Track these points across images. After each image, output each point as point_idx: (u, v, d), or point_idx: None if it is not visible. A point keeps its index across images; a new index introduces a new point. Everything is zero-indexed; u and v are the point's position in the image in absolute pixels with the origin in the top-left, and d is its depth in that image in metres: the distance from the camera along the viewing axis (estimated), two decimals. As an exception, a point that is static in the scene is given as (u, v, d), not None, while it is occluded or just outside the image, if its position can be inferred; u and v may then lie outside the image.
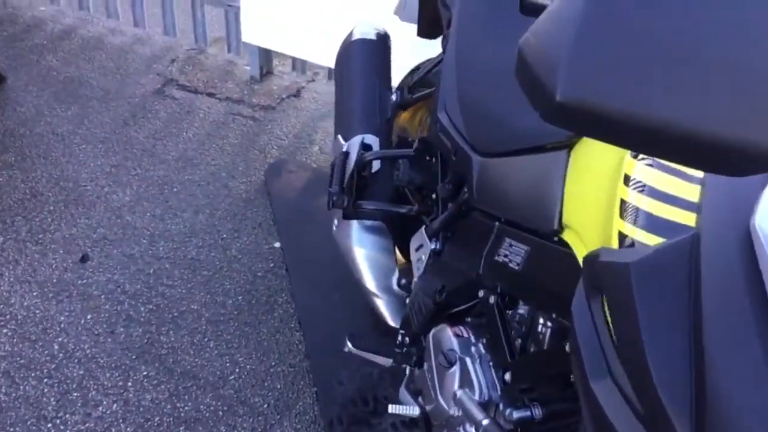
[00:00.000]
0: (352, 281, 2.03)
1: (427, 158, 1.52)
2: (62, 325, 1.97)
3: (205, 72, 3.20)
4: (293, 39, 2.87)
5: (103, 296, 2.07)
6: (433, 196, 1.49)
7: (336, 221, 1.65)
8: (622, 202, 0.78)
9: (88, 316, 2.00)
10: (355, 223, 1.58)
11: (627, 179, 0.79)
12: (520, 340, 1.15)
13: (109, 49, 3.31)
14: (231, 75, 3.19)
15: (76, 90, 2.99)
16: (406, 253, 1.63)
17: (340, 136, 1.69)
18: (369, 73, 1.72)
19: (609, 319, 0.76)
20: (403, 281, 1.56)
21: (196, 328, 2.00)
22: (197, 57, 3.31)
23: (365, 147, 1.58)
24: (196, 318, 2.03)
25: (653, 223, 0.72)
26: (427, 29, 2.02)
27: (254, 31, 2.96)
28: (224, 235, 2.32)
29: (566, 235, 1.02)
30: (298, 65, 3.17)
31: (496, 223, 1.22)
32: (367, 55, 1.75)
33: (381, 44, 1.79)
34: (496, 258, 1.18)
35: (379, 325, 1.95)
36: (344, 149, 1.65)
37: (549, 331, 1.11)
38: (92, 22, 3.52)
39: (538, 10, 0.73)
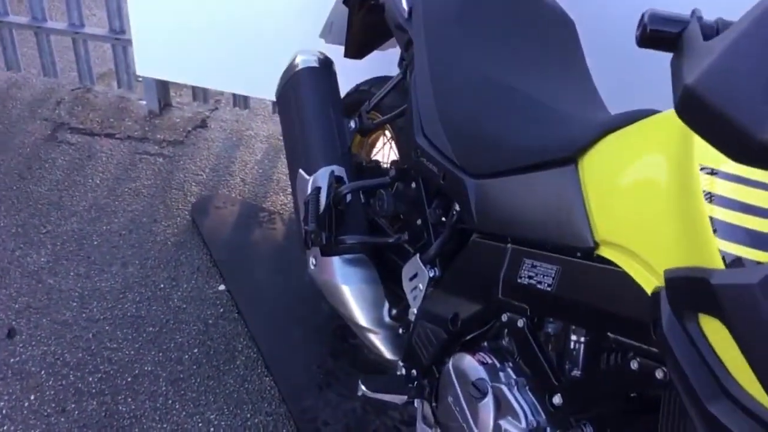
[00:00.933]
0: (312, 312, 1.97)
1: (405, 184, 1.48)
2: (4, 411, 1.76)
3: (98, 111, 2.98)
4: (193, 68, 2.74)
5: (42, 372, 1.87)
6: (418, 222, 1.46)
7: (313, 259, 1.58)
8: (713, 220, 0.78)
9: (32, 397, 1.80)
10: (335, 260, 1.52)
11: (710, 196, 0.80)
12: (555, 360, 1.14)
13: (-18, 97, 3.02)
14: (127, 112, 3.00)
15: (-46, 146, 2.70)
16: (388, 284, 1.59)
17: (302, 171, 1.62)
18: (321, 103, 1.66)
19: (709, 337, 0.77)
20: (394, 312, 1.52)
21: (155, 391, 1.85)
22: (85, 96, 3.08)
23: (337, 179, 1.52)
24: (153, 380, 1.88)
25: (763, 241, 0.73)
26: (356, 50, 1.99)
27: (150, 64, 2.79)
28: (161, 285, 2.17)
29: (605, 252, 1.02)
30: (199, 94, 3.03)
31: (508, 245, 1.21)
32: (315, 84, 1.69)
33: (326, 70, 1.74)
34: (520, 280, 1.17)
35: (346, 356, 1.91)
36: (310, 183, 1.58)
37: (583, 347, 1.11)
38: (-45, 68, 3.20)
39: (665, 39, 0.71)
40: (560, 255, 1.11)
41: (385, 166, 1.80)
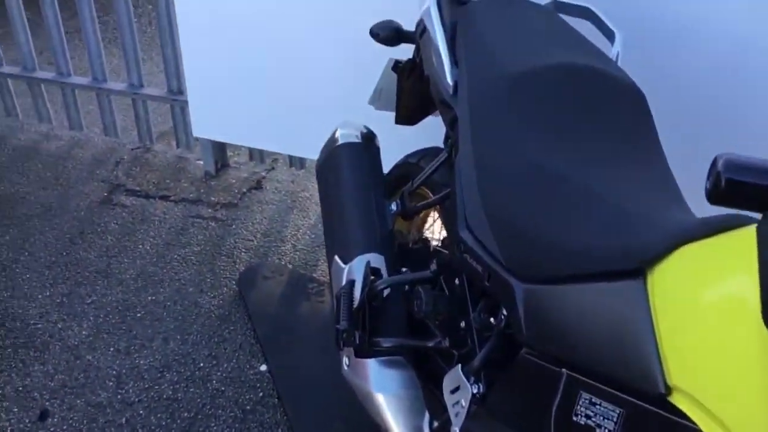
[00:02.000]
0: (356, 405, 1.79)
1: (447, 281, 1.31)
2: (25, 508, 1.66)
3: (155, 172, 2.94)
4: (248, 129, 2.66)
5: (70, 461, 1.77)
6: (462, 324, 1.28)
7: (347, 359, 1.42)
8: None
9: (56, 491, 1.70)
10: (370, 363, 1.35)
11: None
12: None
13: (44, 158, 3.04)
14: (183, 172, 2.95)
15: (11, 209, 2.70)
16: (430, 386, 1.41)
17: (338, 258, 1.47)
18: (361, 183, 1.51)
19: None
20: (436, 425, 1.33)
21: (184, 488, 1.72)
22: (144, 156, 3.06)
23: (373, 271, 1.36)
24: (183, 474, 1.75)
25: None
26: (407, 116, 1.85)
27: (206, 125, 2.73)
28: (201, 364, 2.05)
29: (678, 401, 0.82)
30: (256, 154, 2.95)
31: (563, 371, 1.01)
32: (356, 162, 1.55)
33: (368, 146, 1.59)
34: (576, 418, 0.97)
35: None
36: (345, 274, 1.43)
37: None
38: (22, 129, 3.24)
39: (747, 195, 0.53)
40: (625, 395, 0.91)
41: (433, 247, 1.63)
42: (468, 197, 1.24)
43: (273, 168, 3.00)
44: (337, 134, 1.59)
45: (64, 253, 2.47)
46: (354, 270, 1.42)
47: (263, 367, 2.04)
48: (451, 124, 1.37)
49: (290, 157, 2.88)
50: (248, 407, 1.92)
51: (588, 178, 1.14)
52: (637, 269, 0.94)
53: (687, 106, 1.86)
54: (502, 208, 1.17)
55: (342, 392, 1.89)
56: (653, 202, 1.12)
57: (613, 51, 1.48)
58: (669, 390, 0.84)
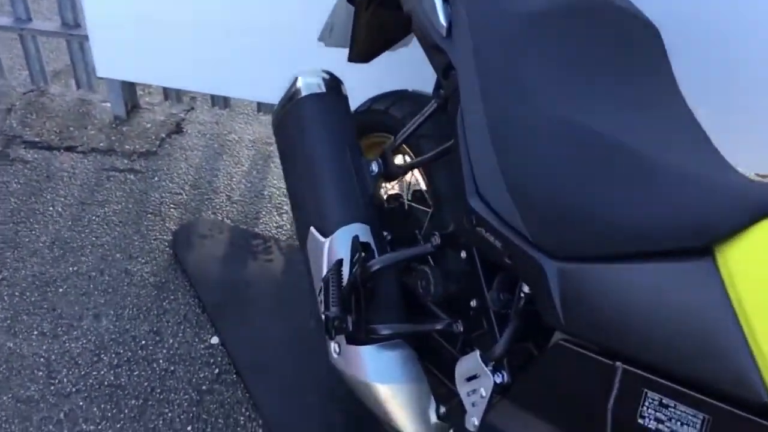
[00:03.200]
0: (326, 370, 1.66)
1: (454, 256, 1.15)
2: None
3: (55, 119, 2.59)
4: (162, 66, 2.35)
5: (5, 471, 1.54)
6: (473, 303, 1.13)
7: (335, 346, 1.25)
8: None
9: None
10: (365, 350, 1.20)
11: None
12: None
13: None
14: (89, 117, 2.61)
15: None
16: (430, 367, 1.27)
17: (315, 231, 1.28)
18: (334, 140, 1.31)
19: None
20: (443, 410, 1.20)
21: (144, 486, 1.54)
22: (39, 101, 2.68)
23: (363, 246, 1.18)
24: (140, 472, 1.56)
25: None
26: (362, 52, 1.64)
27: (111, 63, 2.40)
28: (143, 342, 1.83)
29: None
30: (171, 93, 2.64)
31: (618, 365, 0.89)
32: (325, 115, 1.34)
33: (336, 96, 1.38)
34: (642, 421, 0.85)
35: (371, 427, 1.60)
36: (327, 250, 1.25)
37: None
38: None
39: None
40: (709, 399, 0.79)
41: (413, 208, 1.47)
42: (479, 159, 1.07)
43: (192, 108, 2.70)
44: (299, 84, 1.37)
45: (-40, 222, 2.14)
46: (337, 245, 1.24)
47: (215, 340, 1.85)
48: (445, 71, 1.18)
49: (212, 95, 2.58)
50: (204, 387, 1.74)
51: (623, 132, 0.99)
52: (705, 247, 0.81)
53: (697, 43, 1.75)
54: (525, 173, 1.01)
55: (309, 360, 1.74)
56: (699, 159, 0.99)
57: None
58: (773, 397, 0.72)
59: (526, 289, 1.06)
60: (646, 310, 0.86)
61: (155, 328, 1.87)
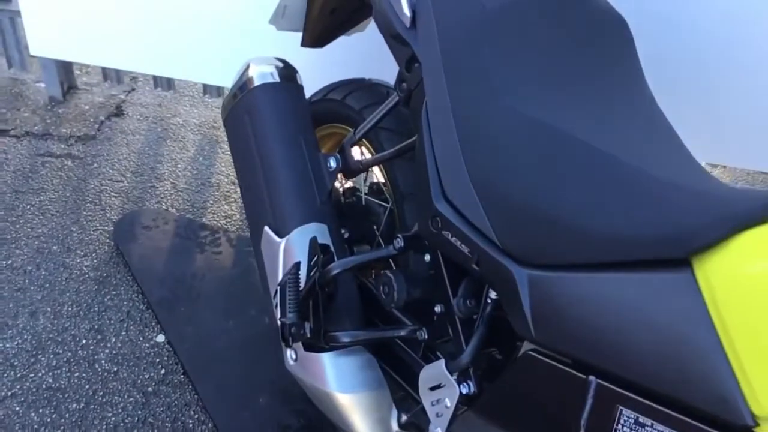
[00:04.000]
0: (277, 370, 1.60)
1: (417, 259, 1.10)
2: None
3: (-15, 99, 2.43)
4: (100, 45, 2.22)
5: (-67, 486, 1.44)
6: (437, 309, 1.08)
7: (292, 353, 1.19)
8: None
9: None
10: (324, 357, 1.14)
11: None
12: None
13: None
14: (22, 99, 2.45)
15: None
16: (389, 372, 1.22)
17: (269, 231, 1.21)
18: (289, 133, 1.24)
19: None
20: (404, 419, 1.16)
21: (87, 497, 1.45)
22: (-34, 79, 2.51)
23: (321, 249, 1.12)
24: (82, 481, 1.48)
25: None
26: (316, 37, 1.57)
27: (46, 41, 2.25)
28: (83, 341, 1.73)
29: (769, 434, 0.69)
30: (111, 73, 2.50)
31: (592, 379, 0.85)
32: (279, 106, 1.26)
33: (290, 86, 1.30)
34: (616, 440, 0.82)
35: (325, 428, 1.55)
36: (282, 251, 1.18)
37: None
38: None
39: None
40: (689, 419, 0.76)
41: (371, 203, 1.41)
42: (445, 159, 1.02)
43: (133, 89, 2.57)
44: (251, 72, 1.28)
45: None
46: (294, 246, 1.17)
47: (160, 338, 1.76)
48: (408, 63, 1.11)
49: (155, 77, 2.46)
50: (150, 389, 1.65)
51: (595, 134, 0.95)
52: (683, 258, 0.78)
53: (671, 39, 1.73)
54: (493, 175, 0.96)
55: (261, 359, 1.68)
56: (674, 164, 0.96)
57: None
58: (756, 421, 0.70)
59: (493, 294, 1.02)
60: (621, 321, 0.82)
61: (96, 326, 1.77)
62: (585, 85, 1.02)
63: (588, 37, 1.06)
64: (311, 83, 1.59)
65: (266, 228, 1.21)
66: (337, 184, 1.54)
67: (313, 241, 1.13)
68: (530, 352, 0.95)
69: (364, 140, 1.32)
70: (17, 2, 2.19)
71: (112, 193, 2.13)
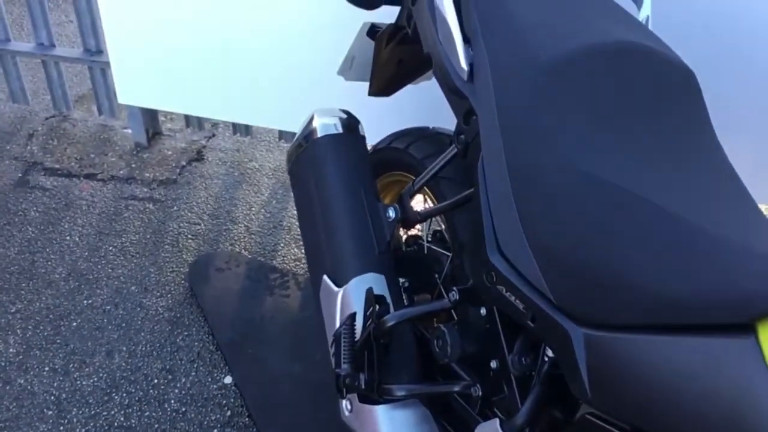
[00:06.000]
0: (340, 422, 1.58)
1: (473, 312, 1.08)
2: None
3: (76, 145, 2.57)
4: (183, 93, 2.32)
5: None
6: (493, 365, 1.06)
7: (347, 404, 1.19)
8: None
9: None
10: (379, 409, 1.13)
11: None
12: None
13: (-58, 132, 2.61)
14: (110, 144, 2.59)
15: None
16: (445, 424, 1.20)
17: (328, 279, 1.22)
18: (350, 184, 1.25)
19: None
20: (462, 475, 1.13)
21: None
22: (61, 126, 2.67)
23: (377, 299, 1.12)
24: None
25: None
26: (383, 86, 1.59)
27: (133, 90, 2.37)
28: (155, 381, 1.78)
29: None
30: (193, 120, 2.61)
31: (652, 448, 0.81)
32: (341, 158, 1.28)
33: (352, 137, 1.32)
34: None
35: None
36: (340, 301, 1.18)
37: None
38: None
39: None
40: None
41: (433, 252, 1.40)
42: (500, 213, 1.00)
43: (214, 135, 2.67)
44: (315, 123, 1.31)
45: (-23, 252, 2.12)
46: (351, 296, 1.17)
47: (228, 380, 1.80)
48: (465, 116, 1.11)
49: (234, 123, 2.55)
50: (215, 430, 1.68)
51: (657, 190, 0.92)
52: (747, 324, 0.74)
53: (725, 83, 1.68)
54: (550, 233, 0.94)
55: (325, 403, 1.68)
56: (741, 222, 0.91)
57: (641, 16, 1.25)
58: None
59: (550, 352, 0.99)
60: (680, 388, 0.78)
61: (168, 366, 1.82)
62: (647, 140, 0.99)
63: (653, 90, 1.03)
64: (379, 130, 1.62)
65: (325, 277, 1.23)
66: (401, 232, 1.54)
67: (369, 291, 1.13)
68: (588, 416, 0.92)
69: (426, 189, 1.32)
70: (107, 54, 2.32)
71: (189, 236, 2.21)
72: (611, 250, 0.88)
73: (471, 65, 1.09)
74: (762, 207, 1.98)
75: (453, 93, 1.12)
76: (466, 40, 1.12)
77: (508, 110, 1.01)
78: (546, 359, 1.00)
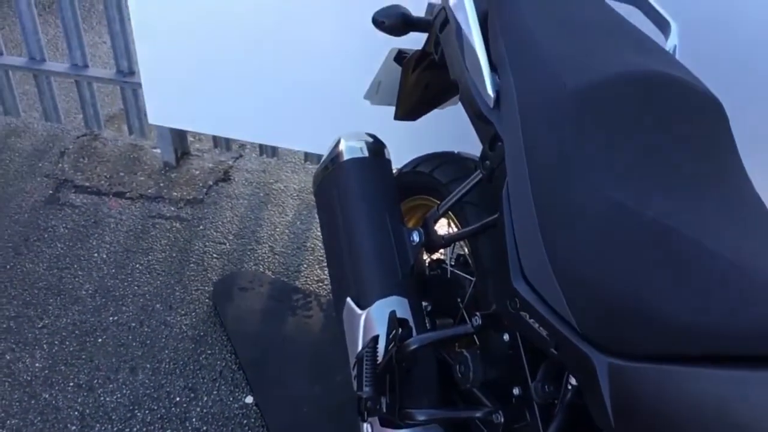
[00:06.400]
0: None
1: (496, 338, 1.08)
2: None
3: (106, 163, 2.62)
4: (212, 115, 2.35)
5: None
6: (516, 392, 1.06)
7: (368, 427, 1.19)
8: None
9: None
10: (400, 432, 1.13)
11: None
12: None
13: (-23, 149, 2.68)
14: (139, 163, 2.63)
15: (-58, 214, 2.36)
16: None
17: (351, 301, 1.23)
18: (375, 208, 1.26)
19: None
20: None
21: None
22: (92, 145, 2.72)
23: (400, 322, 1.12)
24: None
25: None
26: (409, 110, 1.61)
27: (163, 111, 2.41)
28: (177, 399, 1.80)
29: None
30: (221, 141, 2.65)
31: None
32: (366, 182, 1.29)
33: (378, 161, 1.34)
34: None
35: None
36: (362, 323, 1.19)
37: None
38: (-51, 114, 2.86)
39: None
40: None
41: (458, 277, 1.40)
42: (525, 240, 1.01)
43: (241, 156, 2.70)
44: (341, 147, 1.33)
45: (7, 267, 2.15)
46: (374, 319, 1.18)
47: (249, 399, 1.80)
48: (491, 142, 1.12)
49: (260, 144, 2.58)
50: (236, 450, 1.69)
51: (684, 220, 0.91)
52: (779, 356, 0.73)
53: (755, 113, 1.67)
54: (575, 261, 0.94)
55: (342, 429, 1.68)
56: (765, 248, 0.91)
57: (668, 45, 1.26)
58: None
59: (573, 381, 0.99)
60: (704, 420, 0.77)
61: (191, 384, 1.83)
62: (675, 169, 0.99)
63: (680, 119, 1.03)
64: (405, 154, 1.63)
65: (348, 299, 1.23)
66: (424, 255, 1.54)
67: (392, 315, 1.14)
68: (611, 446, 0.91)
69: (450, 213, 1.33)
70: (139, 76, 2.37)
71: (214, 255, 2.23)
72: (638, 280, 0.87)
73: (497, 92, 1.10)
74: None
75: (479, 119, 1.13)
76: (493, 67, 1.13)
77: (535, 137, 1.01)
78: (569, 387, 0.99)
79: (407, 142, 1.84)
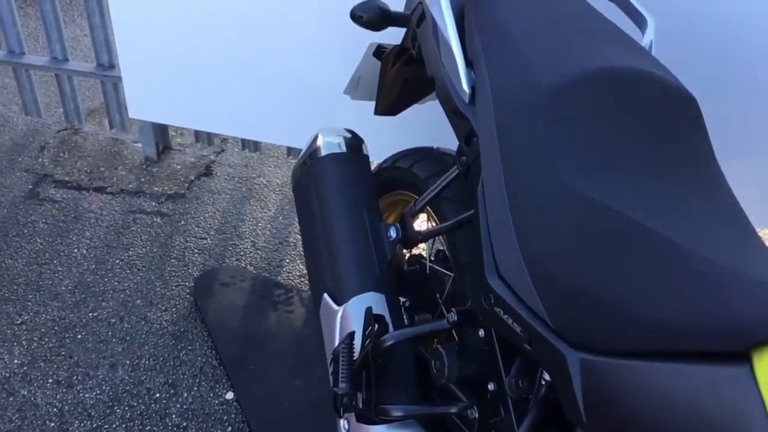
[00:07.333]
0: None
1: (471, 334, 1.09)
2: None
3: (87, 158, 2.60)
4: (193, 109, 2.34)
5: None
6: (490, 387, 1.06)
7: (345, 423, 1.19)
8: None
9: None
10: (377, 428, 1.13)
11: None
12: None
13: (-45, 144, 2.65)
14: (120, 158, 2.61)
15: None
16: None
17: (328, 297, 1.22)
18: (352, 204, 1.26)
19: None
20: (458, 497, 1.12)
21: None
22: (72, 139, 2.70)
23: (376, 318, 1.12)
24: None
25: None
26: (389, 106, 1.61)
27: (144, 105, 2.40)
28: (157, 395, 1.79)
29: None
30: (203, 136, 2.63)
31: (645, 475, 0.81)
32: (343, 177, 1.29)
33: (356, 156, 1.33)
34: None
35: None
36: (339, 319, 1.19)
37: None
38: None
39: None
40: None
41: (434, 272, 1.40)
42: (499, 237, 1.01)
43: (223, 150, 2.69)
44: (319, 142, 1.32)
45: (-14, 262, 2.14)
46: (350, 315, 1.18)
47: (229, 395, 1.80)
48: (467, 138, 1.12)
49: (243, 139, 2.57)
50: (216, 446, 1.68)
51: (655, 218, 0.92)
52: (742, 352, 0.74)
53: (729, 108, 1.68)
54: (548, 258, 0.94)
55: (324, 422, 1.68)
56: (740, 250, 0.91)
57: (644, 41, 1.26)
58: None
59: (547, 376, 0.99)
60: (674, 415, 0.78)
61: (170, 380, 1.82)
62: (647, 166, 0.99)
63: (654, 116, 1.04)
64: (385, 149, 1.63)
65: (325, 295, 1.23)
66: (404, 251, 1.54)
67: (369, 311, 1.13)
68: (582, 440, 0.92)
69: (428, 209, 1.33)
70: (120, 69, 2.35)
71: (196, 250, 2.22)
72: (609, 276, 0.88)
73: (473, 87, 1.10)
74: (765, 231, 1.97)
75: (455, 114, 1.13)
76: (469, 62, 1.13)
77: (509, 133, 1.01)
78: (543, 383, 1.00)
79: (388, 137, 1.84)
